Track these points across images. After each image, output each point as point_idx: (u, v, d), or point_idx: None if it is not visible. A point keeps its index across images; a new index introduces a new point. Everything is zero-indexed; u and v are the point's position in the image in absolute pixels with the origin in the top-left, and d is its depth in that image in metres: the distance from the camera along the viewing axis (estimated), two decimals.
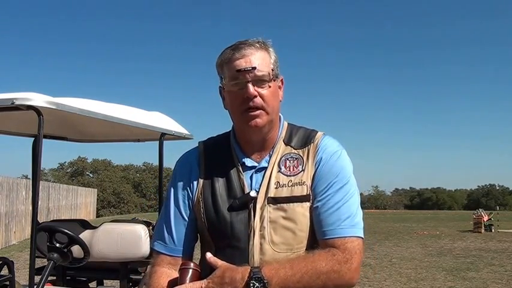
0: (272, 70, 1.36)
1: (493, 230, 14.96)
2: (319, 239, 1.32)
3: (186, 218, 1.40)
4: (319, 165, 1.36)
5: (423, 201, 63.74)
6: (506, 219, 17.63)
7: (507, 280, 7.29)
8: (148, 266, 1.54)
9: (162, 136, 3.97)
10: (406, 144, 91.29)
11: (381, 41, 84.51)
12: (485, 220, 15.33)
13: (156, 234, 1.45)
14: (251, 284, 1.19)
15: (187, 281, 1.25)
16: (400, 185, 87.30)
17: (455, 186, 74.35)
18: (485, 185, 67.81)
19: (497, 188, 66.36)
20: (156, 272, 1.38)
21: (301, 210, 1.33)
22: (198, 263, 1.32)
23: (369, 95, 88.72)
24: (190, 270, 1.27)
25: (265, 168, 1.38)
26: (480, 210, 16.50)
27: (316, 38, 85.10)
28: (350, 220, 1.31)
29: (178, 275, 1.29)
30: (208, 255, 1.29)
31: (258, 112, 1.33)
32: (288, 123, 1.47)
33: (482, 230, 14.75)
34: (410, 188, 73.31)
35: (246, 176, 1.38)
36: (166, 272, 1.37)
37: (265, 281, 1.20)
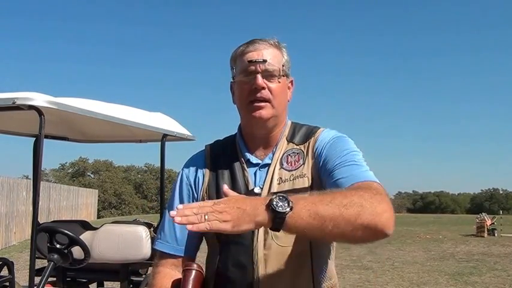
0: (283, 66, 1.38)
1: (496, 234, 14.87)
2: None
3: None
4: (319, 151, 1.35)
5: (426, 204, 63.55)
6: (509, 224, 17.52)
7: (510, 285, 7.26)
8: (151, 267, 1.53)
9: (164, 137, 3.96)
10: (409, 147, 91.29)
11: (385, 43, 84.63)
12: (488, 224, 15.24)
13: (159, 234, 1.45)
14: (274, 202, 1.05)
15: (191, 282, 1.25)
16: (403, 188, 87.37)
17: (459, 190, 74.56)
18: (489, 189, 67.67)
19: (501, 192, 66.11)
20: (160, 273, 1.38)
21: None
22: (200, 265, 1.32)
23: (371, 97, 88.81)
24: (194, 271, 1.27)
25: (268, 165, 1.39)
26: (483, 214, 16.38)
27: (325, 39, 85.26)
28: (365, 171, 1.27)
29: (181, 276, 1.28)
30: (225, 187, 1.18)
31: (263, 104, 1.34)
32: (292, 122, 1.49)
33: (485, 234, 14.66)
34: (413, 191, 73.17)
35: (250, 173, 1.39)
36: (170, 272, 1.37)
37: (289, 200, 1.06)
